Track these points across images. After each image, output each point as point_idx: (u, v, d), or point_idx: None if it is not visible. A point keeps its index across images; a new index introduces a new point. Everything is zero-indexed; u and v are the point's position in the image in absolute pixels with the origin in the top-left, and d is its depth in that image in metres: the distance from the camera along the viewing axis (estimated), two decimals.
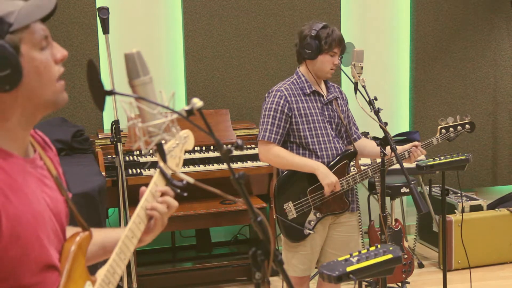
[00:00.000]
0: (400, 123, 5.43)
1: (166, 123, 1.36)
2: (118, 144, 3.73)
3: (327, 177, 2.98)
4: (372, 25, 5.32)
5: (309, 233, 3.04)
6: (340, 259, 1.68)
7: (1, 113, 1.29)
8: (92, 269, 1.42)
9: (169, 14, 4.87)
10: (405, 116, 5.46)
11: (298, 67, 3.14)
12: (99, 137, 4.39)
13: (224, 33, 4.89)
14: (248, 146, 4.51)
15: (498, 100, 5.53)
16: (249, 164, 4.39)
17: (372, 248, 1.72)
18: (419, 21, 5.30)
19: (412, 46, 5.36)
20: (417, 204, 2.79)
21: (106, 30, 3.73)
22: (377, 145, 2.96)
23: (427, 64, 5.36)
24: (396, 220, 4.21)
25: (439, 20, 5.35)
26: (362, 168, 3.11)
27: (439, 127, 3.29)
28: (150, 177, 1.52)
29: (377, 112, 2.97)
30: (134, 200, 3.17)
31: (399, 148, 3.15)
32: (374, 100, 3.00)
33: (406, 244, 4.24)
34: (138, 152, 4.31)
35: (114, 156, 3.82)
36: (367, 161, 4.31)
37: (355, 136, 3.27)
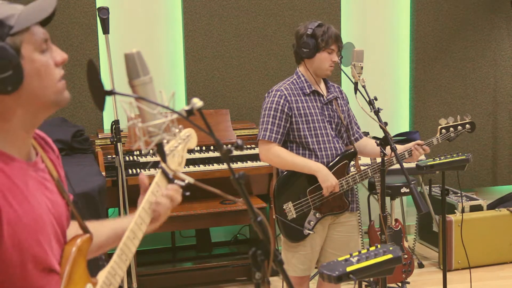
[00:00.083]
0: (400, 123, 5.43)
1: (166, 123, 1.36)
2: (118, 144, 3.73)
3: (327, 179, 2.98)
4: (372, 25, 5.32)
5: (309, 233, 3.04)
6: (340, 259, 1.68)
7: (3, 116, 1.29)
8: (93, 271, 1.42)
9: (169, 14, 4.87)
10: (405, 116, 5.46)
11: (298, 67, 3.14)
12: (99, 137, 4.39)
13: (224, 33, 4.89)
14: (248, 146, 4.51)
15: (498, 100, 5.53)
16: (249, 164, 4.39)
17: (372, 248, 1.72)
18: (419, 21, 5.31)
19: (412, 46, 5.36)
20: (417, 204, 2.79)
21: (106, 30, 3.72)
22: (377, 145, 2.96)
23: (427, 64, 5.36)
24: (396, 220, 4.21)
25: (439, 20, 5.35)
26: (362, 168, 3.11)
27: (439, 127, 3.28)
28: (150, 177, 1.52)
29: (377, 112, 2.97)
30: (134, 200, 3.17)
31: (402, 147, 3.15)
32: (374, 100, 3.00)
33: (406, 244, 4.24)
34: (138, 152, 4.31)
35: (114, 156, 3.82)
36: (367, 161, 4.31)
37: (356, 135, 3.26)
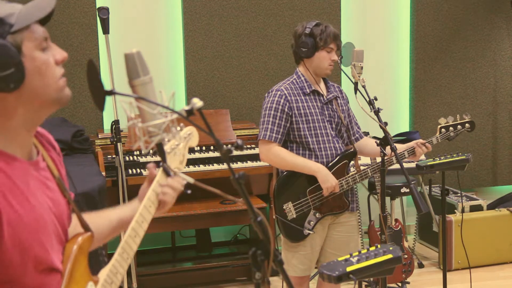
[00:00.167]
0: (400, 123, 5.43)
1: (166, 123, 1.36)
2: (118, 144, 3.73)
3: (327, 180, 2.98)
4: (372, 25, 5.32)
5: (309, 233, 3.04)
6: (340, 259, 1.68)
7: (5, 114, 1.29)
8: (94, 267, 1.42)
9: (169, 14, 4.87)
10: (405, 116, 5.46)
11: (297, 67, 3.14)
12: (99, 137, 4.39)
13: (224, 33, 4.89)
14: (248, 146, 4.51)
15: (498, 100, 5.53)
16: (249, 164, 4.39)
17: (372, 248, 1.72)
18: (419, 21, 5.31)
19: (412, 46, 5.36)
20: (417, 204, 2.79)
21: (106, 30, 3.72)
22: (377, 145, 2.96)
23: (427, 64, 5.36)
24: (396, 220, 4.21)
25: (439, 20, 5.35)
26: (362, 168, 3.11)
27: (439, 126, 3.28)
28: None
29: (377, 112, 2.97)
30: None
31: (402, 146, 3.15)
32: (374, 100, 3.00)
33: (406, 244, 4.24)
34: (138, 152, 4.31)
35: (114, 156, 3.82)
36: (367, 161, 4.31)
37: (357, 135, 3.26)
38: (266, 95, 3.09)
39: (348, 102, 3.26)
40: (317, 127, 3.05)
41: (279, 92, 3.03)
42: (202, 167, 4.29)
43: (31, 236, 1.27)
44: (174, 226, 4.32)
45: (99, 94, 1.31)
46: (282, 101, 3.01)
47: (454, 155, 3.27)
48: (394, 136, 4.93)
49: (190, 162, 4.32)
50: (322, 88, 3.13)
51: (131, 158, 4.27)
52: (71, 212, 1.46)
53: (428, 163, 3.20)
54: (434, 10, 5.32)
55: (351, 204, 3.12)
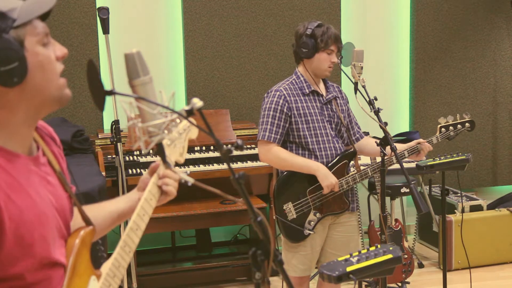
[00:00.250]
0: (400, 123, 5.43)
1: (166, 123, 1.36)
2: (118, 144, 3.73)
3: (327, 179, 2.98)
4: (372, 25, 5.32)
5: (309, 234, 3.04)
6: (340, 259, 1.68)
7: (9, 109, 1.29)
8: (94, 264, 1.42)
9: (169, 14, 4.87)
10: (405, 116, 5.46)
11: (297, 67, 3.14)
12: (99, 137, 4.39)
13: (224, 33, 4.89)
14: (248, 146, 4.51)
15: (498, 100, 5.53)
16: (249, 164, 4.39)
17: (372, 248, 1.72)
18: (419, 21, 5.31)
19: (412, 46, 5.36)
20: (417, 204, 2.79)
21: (106, 30, 3.72)
22: (377, 145, 2.96)
23: (427, 64, 5.36)
24: (396, 220, 4.21)
25: (439, 20, 5.35)
26: (362, 168, 3.11)
27: (439, 126, 3.28)
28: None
29: (377, 112, 2.97)
30: None
31: (403, 146, 3.14)
32: (374, 100, 2.99)
33: (406, 244, 4.24)
34: (138, 152, 4.31)
35: (114, 156, 3.82)
36: (367, 160, 4.31)
37: (357, 135, 3.26)
38: (265, 95, 3.09)
39: (347, 102, 3.26)
40: (317, 127, 3.04)
41: (278, 93, 3.03)
42: (202, 167, 4.29)
43: (33, 232, 1.28)
44: (174, 226, 4.32)
45: (99, 94, 1.31)
46: (281, 101, 3.01)
47: (454, 155, 3.27)
48: (394, 136, 4.93)
49: (190, 162, 4.32)
50: (321, 88, 3.13)
51: (131, 158, 4.27)
52: (73, 206, 1.46)
53: (428, 163, 3.20)
54: (434, 10, 5.32)
55: (351, 204, 3.12)
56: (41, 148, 1.41)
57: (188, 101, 4.81)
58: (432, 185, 5.04)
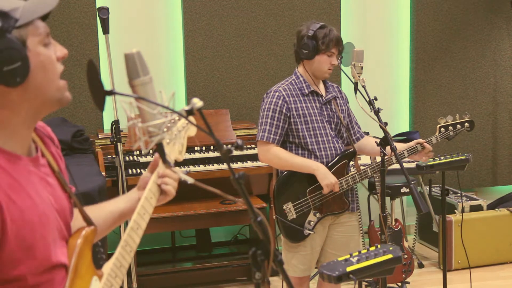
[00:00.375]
0: (400, 123, 5.43)
1: (166, 123, 1.36)
2: (118, 144, 3.73)
3: (326, 178, 2.98)
4: (372, 25, 5.32)
5: (309, 234, 3.04)
6: (340, 259, 1.68)
7: (12, 109, 1.29)
8: (96, 264, 1.42)
9: (169, 14, 4.87)
10: (405, 116, 5.46)
11: (297, 68, 3.14)
12: (99, 137, 4.39)
13: (224, 33, 4.89)
14: (248, 146, 4.51)
15: (498, 100, 5.53)
16: (249, 164, 4.39)
17: (372, 248, 1.72)
18: (419, 21, 5.31)
19: (412, 46, 5.36)
20: (417, 204, 2.79)
21: (106, 30, 3.72)
22: (377, 145, 2.96)
23: (427, 64, 5.36)
24: (396, 220, 4.21)
25: (439, 20, 5.35)
26: (362, 168, 3.11)
27: (439, 125, 3.28)
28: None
29: (377, 112, 2.97)
30: None
31: (403, 146, 3.14)
32: (374, 100, 2.99)
33: (406, 244, 4.24)
34: (138, 152, 4.31)
35: (114, 156, 3.82)
36: (367, 161, 4.31)
37: (357, 135, 3.26)
38: (265, 96, 3.09)
39: (347, 102, 3.26)
40: (316, 128, 3.04)
41: (277, 93, 3.03)
42: (202, 167, 4.29)
43: (34, 233, 1.28)
44: (174, 226, 4.32)
45: (99, 94, 1.31)
46: (280, 102, 3.01)
47: (454, 155, 3.27)
48: (394, 136, 4.94)
49: (190, 162, 4.32)
50: (321, 88, 3.13)
51: (131, 158, 4.27)
52: (73, 207, 1.46)
53: (428, 163, 3.20)
54: (434, 10, 5.32)
55: (351, 204, 3.12)
56: (40, 149, 1.41)
57: (188, 101, 4.81)
58: (432, 185, 5.04)
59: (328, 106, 3.11)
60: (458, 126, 3.29)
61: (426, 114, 5.38)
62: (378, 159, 3.07)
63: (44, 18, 1.34)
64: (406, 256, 4.08)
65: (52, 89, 1.32)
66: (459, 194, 4.99)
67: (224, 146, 1.32)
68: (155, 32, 4.84)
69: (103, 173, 3.87)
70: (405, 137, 4.89)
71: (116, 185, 3.80)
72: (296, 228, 3.04)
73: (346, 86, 4.72)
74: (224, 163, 1.94)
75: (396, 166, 3.10)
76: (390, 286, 4.17)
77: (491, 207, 4.99)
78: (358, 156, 3.13)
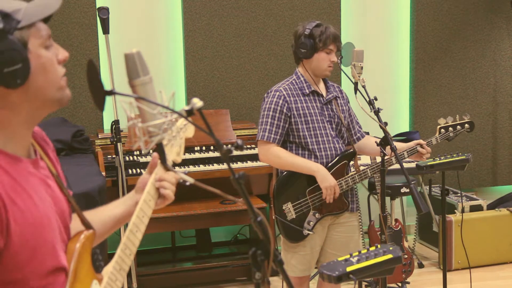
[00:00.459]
0: (400, 123, 5.43)
1: (166, 123, 1.36)
2: (118, 144, 3.73)
3: (326, 180, 2.97)
4: (372, 25, 5.32)
5: (308, 234, 3.04)
6: (340, 259, 1.68)
7: (13, 110, 1.29)
8: (96, 268, 1.42)
9: (169, 14, 4.87)
10: (405, 116, 5.46)
11: (297, 68, 3.14)
12: (99, 137, 4.39)
13: (224, 33, 4.89)
14: (248, 146, 4.51)
15: (498, 100, 5.53)
16: (249, 164, 4.39)
17: (372, 248, 1.72)
18: (419, 21, 5.30)
19: (412, 46, 5.36)
20: (417, 204, 2.79)
21: (106, 30, 3.72)
22: (377, 145, 2.96)
23: (427, 64, 5.36)
24: (396, 220, 4.21)
25: (439, 20, 5.35)
26: (361, 168, 3.11)
27: (439, 126, 3.28)
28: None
29: (377, 112, 2.97)
30: None
31: (403, 146, 3.14)
32: (374, 100, 2.99)
33: (406, 244, 4.24)
34: (138, 152, 4.31)
35: (114, 156, 3.82)
36: (367, 161, 4.31)
37: (358, 135, 3.26)
38: (265, 95, 3.09)
39: (348, 102, 3.26)
40: (317, 128, 3.04)
41: (277, 93, 3.03)
42: (202, 167, 4.29)
43: (37, 235, 1.27)
44: (174, 226, 4.32)
45: (99, 94, 1.31)
46: (280, 101, 3.01)
47: (454, 155, 3.27)
48: (394, 136, 4.93)
49: (190, 162, 4.32)
50: (321, 88, 3.13)
51: (131, 158, 4.27)
52: (72, 210, 1.46)
53: (428, 163, 3.20)
54: (434, 10, 5.32)
55: (351, 205, 3.12)
56: (38, 152, 1.41)
57: (188, 101, 4.81)
58: (432, 185, 5.04)
59: (329, 106, 3.11)
60: (458, 127, 3.29)
61: (426, 114, 5.38)
62: (378, 159, 3.07)
63: (46, 20, 1.34)
64: (406, 256, 4.08)
65: (52, 91, 1.32)
66: (459, 194, 4.99)
67: (224, 146, 1.32)
68: (155, 32, 4.84)
69: (103, 173, 3.87)
70: (405, 137, 4.89)
71: (116, 185, 3.79)
72: (295, 228, 3.04)
73: (346, 86, 4.72)
74: (224, 163, 1.94)
75: (396, 166, 3.10)
76: (390, 286, 4.17)
77: (491, 207, 4.99)
78: (358, 156, 3.13)
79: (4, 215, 1.21)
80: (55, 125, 4.24)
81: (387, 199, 4.42)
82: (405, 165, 2.93)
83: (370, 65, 4.93)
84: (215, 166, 4.30)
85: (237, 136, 4.57)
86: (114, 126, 3.72)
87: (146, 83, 1.34)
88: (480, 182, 5.57)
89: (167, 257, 4.75)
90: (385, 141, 2.94)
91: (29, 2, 1.31)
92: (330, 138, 3.07)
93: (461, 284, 4.33)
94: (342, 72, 3.70)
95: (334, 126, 3.10)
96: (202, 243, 4.79)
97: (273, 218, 3.12)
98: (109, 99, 2.44)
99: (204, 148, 4.43)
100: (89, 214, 1.53)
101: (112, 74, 3.70)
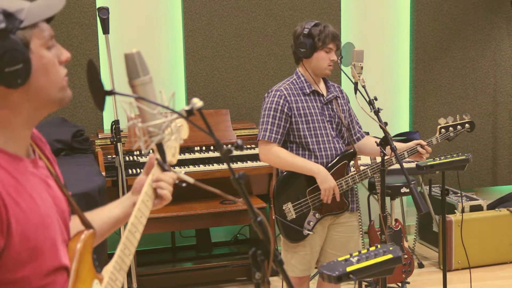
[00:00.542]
0: (400, 123, 5.43)
1: (166, 123, 1.36)
2: (118, 144, 3.73)
3: (326, 182, 2.97)
4: (372, 25, 5.32)
5: (308, 234, 3.04)
6: (340, 259, 1.68)
7: (13, 110, 1.29)
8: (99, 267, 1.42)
9: (169, 14, 4.87)
10: (405, 116, 5.46)
11: (297, 68, 3.14)
12: (99, 137, 4.39)
13: (224, 33, 4.89)
14: (248, 146, 4.51)
15: (498, 100, 5.53)
16: (249, 164, 4.39)
17: (372, 248, 1.72)
18: (419, 21, 5.30)
19: (412, 46, 5.36)
20: (417, 204, 2.79)
21: (106, 30, 3.73)
22: (377, 145, 2.96)
23: (427, 64, 5.36)
24: (396, 220, 4.21)
25: (439, 20, 5.35)
26: (362, 168, 3.11)
27: (439, 126, 3.28)
28: None
29: (377, 112, 2.97)
30: None
31: (403, 146, 3.14)
32: (374, 100, 2.99)
33: (406, 244, 4.24)
34: (138, 152, 4.31)
35: (114, 156, 3.82)
36: (367, 161, 4.31)
37: (358, 135, 3.26)
38: (266, 95, 3.09)
39: (348, 102, 3.26)
40: (317, 128, 3.04)
41: (278, 93, 3.03)
42: (202, 167, 4.29)
43: (38, 234, 1.27)
44: (174, 226, 4.32)
45: (99, 94, 1.31)
46: (281, 101, 3.01)
47: (454, 155, 3.27)
48: (394, 136, 4.93)
49: (190, 162, 4.32)
50: (322, 88, 3.13)
51: (131, 158, 4.27)
52: (71, 210, 1.46)
53: (428, 163, 3.20)
54: (434, 10, 5.32)
55: (351, 205, 3.12)
56: (36, 152, 1.41)
57: (188, 101, 4.81)
58: (432, 185, 5.04)
59: (329, 106, 3.11)
60: (459, 127, 3.29)
61: (426, 114, 5.38)
62: (378, 159, 3.06)
63: (48, 20, 1.34)
64: (406, 256, 4.08)
65: (54, 91, 1.32)
66: (459, 194, 4.99)
67: (224, 146, 1.32)
68: (155, 32, 4.84)
69: (103, 173, 3.87)
70: (405, 137, 4.89)
71: (116, 185, 3.80)
72: (295, 228, 3.04)
73: (346, 86, 4.72)
74: (224, 163, 1.94)
75: (396, 166, 3.10)
76: (390, 286, 4.17)
77: (491, 207, 4.99)
78: (358, 156, 3.13)
79: (4, 214, 1.21)
80: (55, 125, 4.24)
81: (387, 199, 4.42)
82: (405, 165, 2.93)
83: (370, 65, 4.93)
84: (215, 166, 4.30)
85: (237, 136, 4.57)
86: (114, 126, 3.72)
87: (146, 83, 1.34)
88: (480, 182, 5.57)
89: (167, 257, 4.75)
90: (385, 141, 2.94)
91: (32, 2, 1.31)
92: (330, 138, 3.07)
93: (461, 284, 4.33)
94: (342, 72, 3.70)
95: (334, 126, 3.10)
96: (202, 243, 4.79)
97: (273, 218, 3.12)
98: (109, 99, 2.44)
99: (204, 148, 4.43)
100: (88, 215, 1.53)
101: (112, 74, 3.70)
